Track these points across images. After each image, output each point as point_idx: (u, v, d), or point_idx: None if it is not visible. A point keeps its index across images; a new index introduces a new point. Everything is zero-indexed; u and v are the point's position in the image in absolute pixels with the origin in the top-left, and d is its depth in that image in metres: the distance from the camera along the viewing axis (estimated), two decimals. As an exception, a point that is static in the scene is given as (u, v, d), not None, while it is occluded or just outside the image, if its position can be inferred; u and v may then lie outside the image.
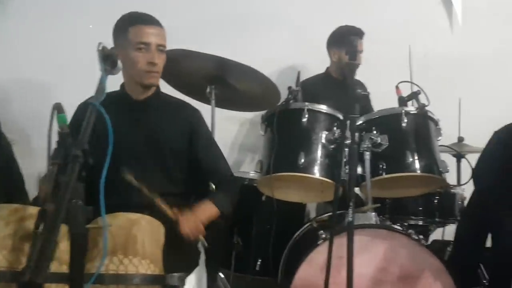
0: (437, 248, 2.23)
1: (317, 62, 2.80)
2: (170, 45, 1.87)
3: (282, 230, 2.09)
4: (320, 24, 2.79)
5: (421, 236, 1.57)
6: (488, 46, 2.95)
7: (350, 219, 1.37)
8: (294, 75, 2.98)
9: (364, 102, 2.79)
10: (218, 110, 2.24)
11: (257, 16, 2.92)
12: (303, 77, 2.84)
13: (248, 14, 2.91)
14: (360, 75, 2.77)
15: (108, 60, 1.24)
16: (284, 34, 2.91)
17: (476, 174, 1.59)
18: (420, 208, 2.08)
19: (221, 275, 2.00)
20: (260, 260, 2.08)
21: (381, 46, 2.92)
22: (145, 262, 1.04)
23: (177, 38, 2.75)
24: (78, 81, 2.24)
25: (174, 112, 1.61)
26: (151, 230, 1.14)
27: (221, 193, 1.60)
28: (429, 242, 2.39)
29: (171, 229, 1.30)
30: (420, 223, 2.08)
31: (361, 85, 2.83)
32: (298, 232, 2.01)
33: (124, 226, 1.08)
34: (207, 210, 1.50)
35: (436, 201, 2.03)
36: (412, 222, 2.10)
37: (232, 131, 3.04)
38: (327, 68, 2.75)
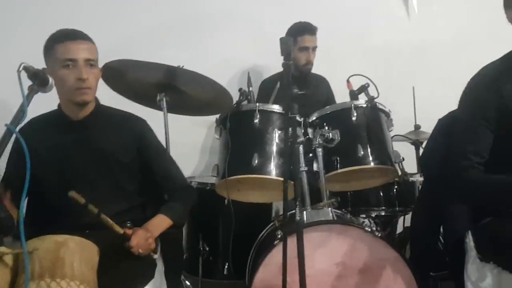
0: (405, 236, 2.26)
1: (278, 60, 2.80)
2: (127, 53, 1.86)
3: (249, 232, 2.09)
4: (277, 20, 2.78)
5: (374, 228, 1.57)
6: (444, 33, 2.99)
7: (298, 218, 1.37)
8: (256, 75, 3.01)
9: (327, 97, 2.80)
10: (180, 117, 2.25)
11: (214, 18, 2.92)
12: (265, 76, 2.87)
13: (205, 16, 2.91)
14: (320, 68, 2.80)
15: (36, 78, 1.22)
16: (243, 33, 2.91)
17: (422, 162, 1.61)
18: (381, 199, 2.10)
19: (187, 283, 2.00)
20: (227, 264, 2.08)
21: (340, 38, 2.94)
22: (75, 284, 1.02)
23: (134, 44, 2.80)
24: (37, 99, 2.19)
25: (118, 125, 1.57)
26: (81, 251, 1.12)
27: (173, 203, 1.57)
28: (399, 231, 2.42)
29: (113, 246, 1.28)
30: (383, 213, 2.10)
31: (323, 80, 2.84)
32: (262, 233, 2.02)
33: (51, 249, 1.06)
34: (159, 224, 1.47)
35: (395, 190, 2.05)
36: (375, 213, 2.12)
37: (201, 135, 3.04)
38: (286, 67, 2.75)
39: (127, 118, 1.61)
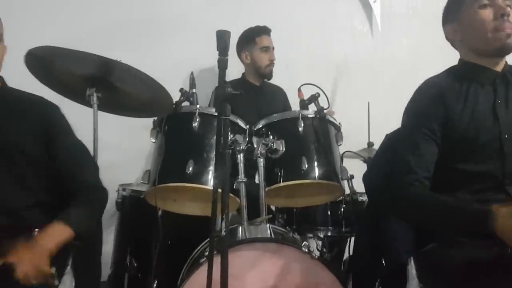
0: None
1: (237, 63, 2.68)
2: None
3: (187, 247, 1.90)
4: (234, 27, 2.67)
5: (311, 249, 1.43)
6: (405, 51, 2.96)
7: (223, 233, 1.21)
8: (212, 78, 2.88)
9: (284, 107, 2.69)
10: (129, 119, 2.05)
11: (167, 21, 2.81)
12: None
13: (158, 19, 2.79)
14: (279, 80, 2.69)
15: None
16: (197, 38, 2.78)
17: (365, 179, 1.49)
18: (329, 218, 1.96)
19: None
20: (156, 282, 1.88)
21: (300, 50, 2.86)
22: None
23: (83, 42, 2.60)
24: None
25: (24, 111, 1.38)
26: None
27: (76, 208, 1.32)
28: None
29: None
30: (329, 233, 1.96)
31: (280, 90, 2.74)
32: (196, 249, 1.84)
33: None
34: (55, 236, 1.22)
35: (342, 209, 1.92)
36: (322, 233, 1.98)
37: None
38: (243, 74, 2.64)
39: (36, 102, 1.41)
